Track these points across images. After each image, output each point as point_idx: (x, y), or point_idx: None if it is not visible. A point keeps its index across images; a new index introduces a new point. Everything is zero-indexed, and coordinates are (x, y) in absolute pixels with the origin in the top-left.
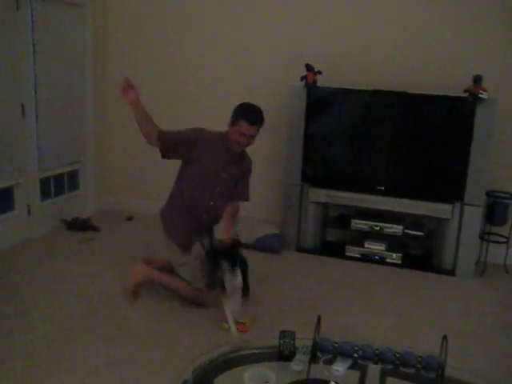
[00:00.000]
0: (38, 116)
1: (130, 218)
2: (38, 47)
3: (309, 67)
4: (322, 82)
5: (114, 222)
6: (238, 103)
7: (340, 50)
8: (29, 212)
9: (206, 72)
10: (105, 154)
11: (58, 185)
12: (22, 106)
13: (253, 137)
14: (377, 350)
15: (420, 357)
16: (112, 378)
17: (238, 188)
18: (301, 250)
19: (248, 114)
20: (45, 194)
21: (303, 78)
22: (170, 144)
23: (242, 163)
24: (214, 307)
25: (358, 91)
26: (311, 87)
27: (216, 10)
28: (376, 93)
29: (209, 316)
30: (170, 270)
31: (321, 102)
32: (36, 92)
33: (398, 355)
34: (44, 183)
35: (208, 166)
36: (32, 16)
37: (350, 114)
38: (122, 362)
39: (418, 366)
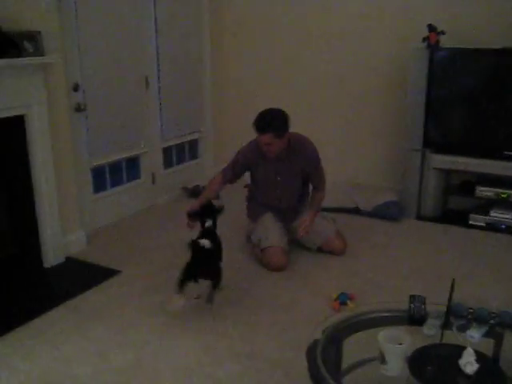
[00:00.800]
0: (160, 88)
1: (247, 186)
2: (159, 22)
3: (431, 27)
4: (445, 42)
5: (234, 190)
6: (355, 66)
7: (463, 7)
8: (153, 180)
9: (319, 31)
10: (223, 124)
11: (179, 154)
12: (146, 79)
13: (270, 144)
14: None
15: None
16: (237, 336)
17: (315, 179)
18: (421, 218)
19: (256, 123)
20: (167, 162)
21: (425, 38)
22: (235, 177)
23: (299, 159)
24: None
25: (484, 50)
26: (434, 48)
27: None
28: (504, 51)
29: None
30: None
31: (444, 64)
32: (159, 65)
33: None
34: (166, 152)
35: (262, 177)
36: None
37: (476, 76)
38: (246, 323)
39: None
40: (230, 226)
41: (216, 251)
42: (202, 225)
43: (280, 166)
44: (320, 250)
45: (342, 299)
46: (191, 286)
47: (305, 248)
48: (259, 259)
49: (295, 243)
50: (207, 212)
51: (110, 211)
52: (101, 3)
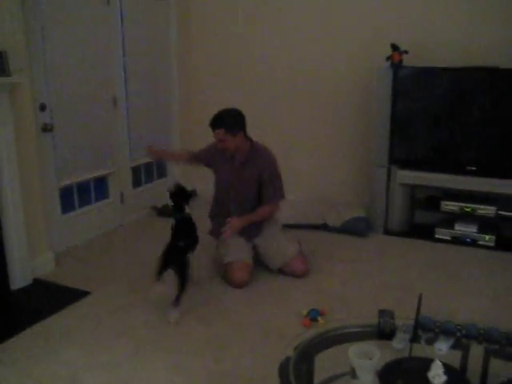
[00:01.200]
0: (128, 107)
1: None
2: (126, 40)
3: (394, 47)
4: (407, 61)
5: (203, 207)
6: (321, 85)
7: (425, 28)
8: (122, 199)
9: (290, 56)
10: (191, 143)
11: (147, 173)
12: (114, 98)
13: (223, 140)
14: (482, 329)
15: None
16: (209, 356)
17: (266, 190)
18: (388, 232)
19: (211, 119)
20: (136, 182)
21: (389, 58)
22: (196, 159)
23: (256, 164)
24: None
25: (446, 69)
26: (397, 67)
27: None
28: (464, 70)
29: (299, 298)
30: None
31: (407, 82)
32: (126, 84)
33: (504, 335)
34: (135, 172)
35: (221, 179)
36: (121, 10)
37: (438, 93)
38: (218, 342)
39: None
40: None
41: (189, 245)
42: (178, 209)
43: (239, 169)
44: (281, 271)
45: (313, 315)
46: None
47: (267, 268)
48: (222, 275)
49: (257, 263)
50: (182, 196)
51: (79, 231)
52: (68, 22)
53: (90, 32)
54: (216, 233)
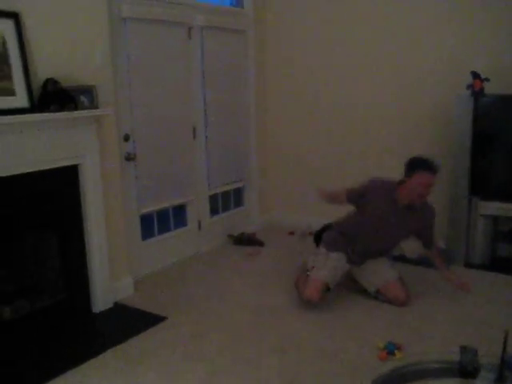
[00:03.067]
0: (207, 137)
1: (292, 233)
2: (206, 73)
3: (475, 74)
4: (489, 89)
5: (277, 237)
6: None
7: (507, 54)
8: (199, 227)
9: (364, 84)
10: (267, 172)
11: (225, 201)
12: (194, 129)
13: (431, 186)
14: None
15: None
16: None
17: (424, 237)
18: (469, 265)
19: (430, 164)
20: (213, 210)
21: (469, 86)
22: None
23: (424, 215)
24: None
25: None
26: (478, 95)
27: (372, 22)
28: None
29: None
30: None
31: (489, 111)
32: (206, 115)
33: None
34: (212, 200)
35: (376, 216)
36: (202, 43)
37: None
38: (291, 374)
39: None
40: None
41: None
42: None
43: (404, 214)
44: (378, 294)
45: (390, 349)
46: None
47: (362, 292)
48: (297, 281)
49: (353, 289)
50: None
51: (157, 258)
52: (151, 56)
53: (173, 65)
54: (329, 245)
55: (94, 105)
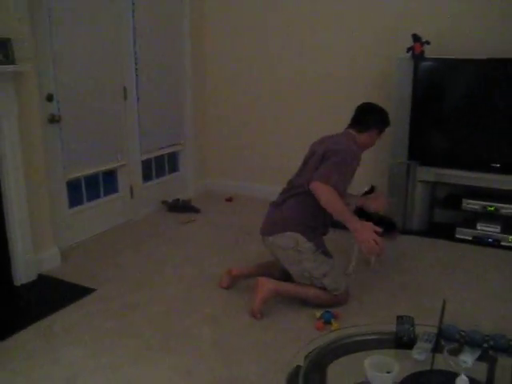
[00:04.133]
0: (139, 99)
1: (229, 199)
2: (137, 30)
3: (416, 37)
4: (429, 53)
5: (214, 204)
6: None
7: (447, 18)
8: (131, 194)
9: (308, 45)
10: (204, 137)
11: (159, 167)
12: (124, 89)
13: None
14: (511, 340)
15: None
16: (217, 359)
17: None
18: (407, 232)
19: (387, 116)
20: (146, 176)
21: (410, 49)
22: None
23: None
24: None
25: (470, 61)
26: (418, 58)
27: None
28: (490, 61)
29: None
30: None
31: (429, 75)
32: (137, 75)
33: None
34: (146, 165)
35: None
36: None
37: (461, 86)
38: (226, 345)
39: None
40: None
41: None
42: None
43: None
44: None
45: (326, 318)
46: None
47: None
48: (325, 299)
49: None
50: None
51: (86, 226)
52: (77, 10)
53: (100, 21)
54: (320, 244)
55: (9, 60)
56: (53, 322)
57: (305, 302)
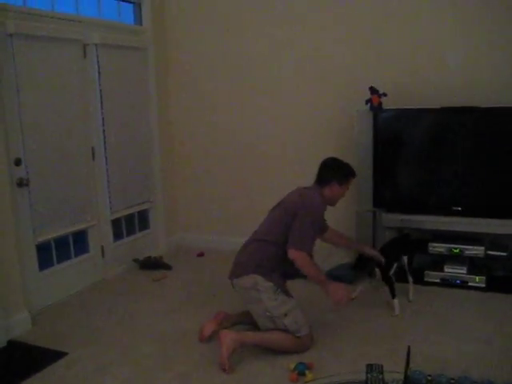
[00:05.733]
0: (107, 158)
1: (201, 255)
2: (104, 92)
3: (373, 90)
4: (387, 104)
5: (186, 259)
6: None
7: (403, 70)
8: (103, 253)
9: (268, 101)
10: (173, 193)
11: (129, 225)
12: (93, 150)
13: None
14: (475, 382)
15: None
16: None
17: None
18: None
19: (349, 169)
20: (117, 235)
21: (368, 101)
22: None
23: None
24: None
25: (426, 110)
26: (377, 110)
27: (276, 37)
28: (445, 110)
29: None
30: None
31: (388, 125)
32: (105, 136)
33: None
34: (116, 224)
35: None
36: (98, 62)
37: (420, 135)
38: None
39: None
40: None
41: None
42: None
43: None
44: None
45: (300, 369)
46: None
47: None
48: (288, 343)
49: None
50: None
51: (58, 288)
52: (44, 75)
53: (67, 85)
54: (279, 285)
55: None
56: None
57: (272, 350)
